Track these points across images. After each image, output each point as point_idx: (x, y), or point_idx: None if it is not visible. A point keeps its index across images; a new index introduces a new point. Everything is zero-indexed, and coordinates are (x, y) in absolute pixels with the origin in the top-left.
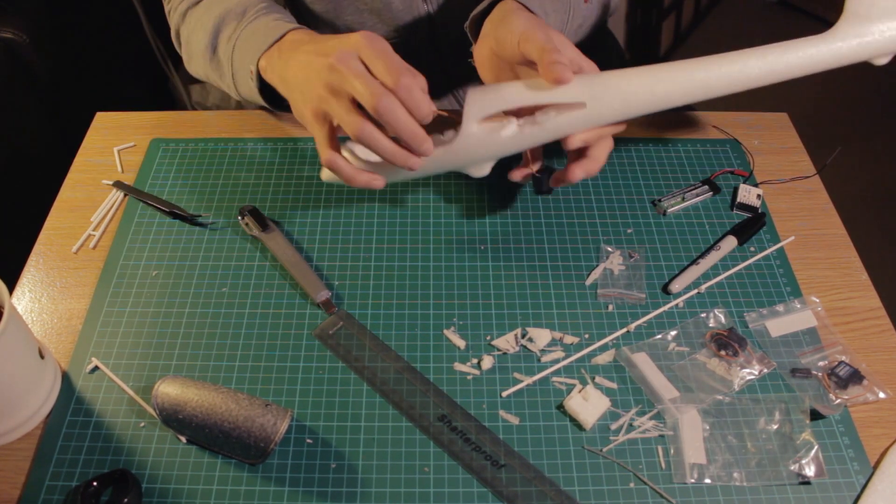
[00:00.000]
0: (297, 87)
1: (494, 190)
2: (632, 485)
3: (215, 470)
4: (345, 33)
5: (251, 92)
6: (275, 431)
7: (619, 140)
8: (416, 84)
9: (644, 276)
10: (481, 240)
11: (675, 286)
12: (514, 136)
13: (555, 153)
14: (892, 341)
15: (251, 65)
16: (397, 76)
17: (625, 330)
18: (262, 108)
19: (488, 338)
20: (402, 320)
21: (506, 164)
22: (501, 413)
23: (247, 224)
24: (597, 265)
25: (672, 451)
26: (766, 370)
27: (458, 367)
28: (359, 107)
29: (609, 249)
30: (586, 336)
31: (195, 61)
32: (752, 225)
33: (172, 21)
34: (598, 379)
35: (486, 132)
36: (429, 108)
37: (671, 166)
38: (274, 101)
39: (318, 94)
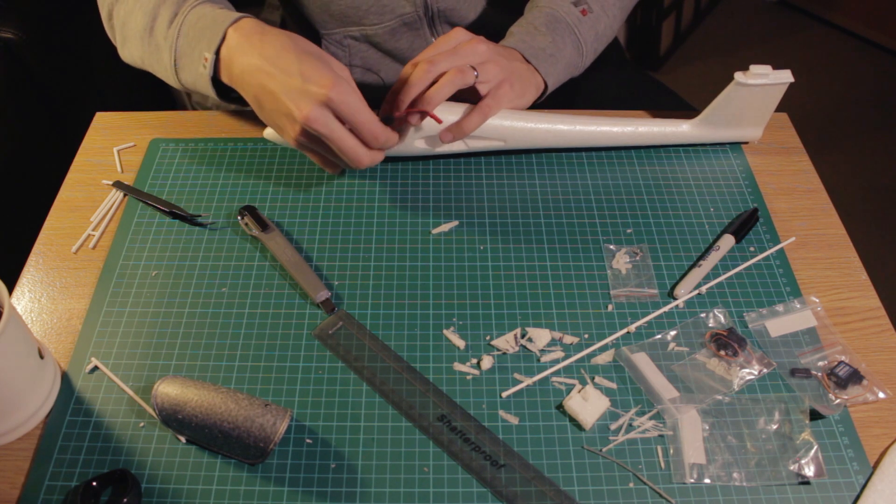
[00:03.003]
0: (260, 105)
1: (494, 190)
2: (631, 485)
3: (215, 470)
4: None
5: (197, 80)
6: (274, 431)
7: None
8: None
9: (653, 273)
10: (481, 240)
11: (681, 291)
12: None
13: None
14: (891, 341)
15: (207, 52)
16: (371, 136)
17: (625, 331)
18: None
19: (488, 338)
20: (402, 320)
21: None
22: (501, 413)
23: (247, 224)
24: (597, 265)
25: (672, 451)
26: (765, 370)
27: (458, 367)
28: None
29: (612, 248)
30: (586, 336)
31: (131, 44)
32: (747, 222)
33: (105, 2)
34: (597, 379)
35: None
36: (387, 137)
37: (671, 165)
38: (222, 91)
39: (288, 135)
